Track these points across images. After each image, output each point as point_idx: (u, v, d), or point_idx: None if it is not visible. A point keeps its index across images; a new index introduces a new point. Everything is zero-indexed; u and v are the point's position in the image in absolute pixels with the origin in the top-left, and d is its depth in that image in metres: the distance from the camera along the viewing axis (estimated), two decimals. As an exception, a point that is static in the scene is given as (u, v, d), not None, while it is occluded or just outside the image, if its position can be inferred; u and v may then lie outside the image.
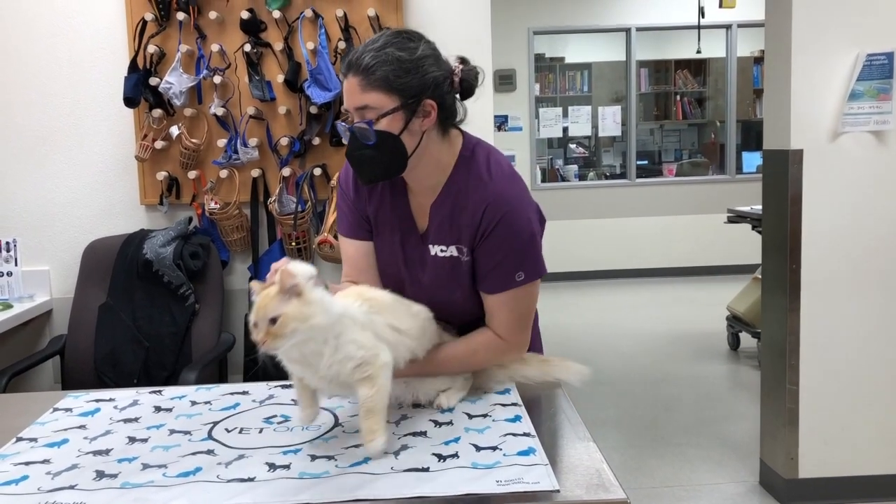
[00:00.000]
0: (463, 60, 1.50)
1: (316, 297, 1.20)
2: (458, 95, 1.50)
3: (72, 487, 1.20)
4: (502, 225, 1.46)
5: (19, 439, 1.41)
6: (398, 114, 1.40)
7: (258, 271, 2.92)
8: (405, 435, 1.33)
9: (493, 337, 1.53)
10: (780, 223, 2.88)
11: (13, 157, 2.91)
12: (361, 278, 1.62)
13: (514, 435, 1.32)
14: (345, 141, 1.49)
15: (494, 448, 1.27)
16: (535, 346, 1.74)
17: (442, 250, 1.54)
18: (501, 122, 7.32)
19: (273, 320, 1.16)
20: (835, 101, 2.77)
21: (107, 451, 1.34)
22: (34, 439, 1.41)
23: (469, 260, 1.52)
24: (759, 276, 3.82)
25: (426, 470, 1.20)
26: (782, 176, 2.84)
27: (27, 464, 1.30)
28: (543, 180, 7.69)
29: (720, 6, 6.29)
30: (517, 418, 1.41)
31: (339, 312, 1.25)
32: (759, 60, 7.86)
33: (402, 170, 1.47)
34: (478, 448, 1.28)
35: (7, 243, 2.90)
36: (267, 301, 1.17)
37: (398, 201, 1.58)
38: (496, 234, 1.47)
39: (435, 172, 1.52)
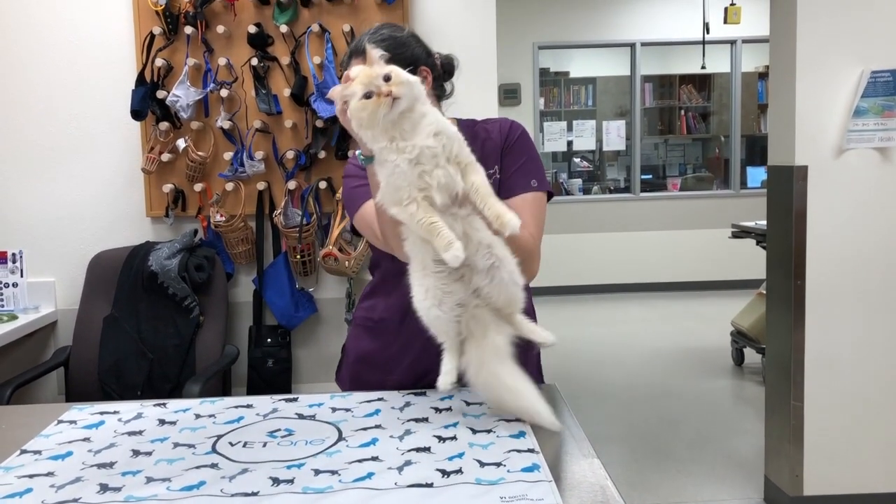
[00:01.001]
0: (438, 53, 1.71)
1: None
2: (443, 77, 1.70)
3: (76, 501, 1.20)
4: (522, 137, 1.69)
5: (23, 451, 1.41)
6: None
7: (263, 284, 2.92)
8: (409, 450, 1.33)
9: (524, 232, 1.58)
10: (784, 239, 2.88)
11: (20, 169, 2.92)
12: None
13: (519, 451, 1.32)
14: None
15: (499, 464, 1.27)
16: (533, 367, 1.75)
17: None
18: (506, 136, 7.33)
19: (386, 78, 1.24)
20: (839, 117, 2.78)
21: (111, 464, 1.34)
22: (38, 452, 1.41)
23: (497, 179, 1.65)
24: (764, 292, 3.81)
25: (430, 486, 1.20)
26: (787, 192, 2.84)
27: (31, 476, 1.30)
28: (548, 194, 7.68)
29: (725, 22, 6.30)
30: (521, 434, 1.40)
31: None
32: (763, 76, 7.88)
33: None
34: (482, 464, 1.27)
35: (13, 254, 2.91)
36: (368, 71, 1.26)
37: None
38: (518, 144, 1.67)
39: None
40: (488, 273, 1.35)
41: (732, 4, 6.20)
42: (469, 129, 1.66)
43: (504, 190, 1.64)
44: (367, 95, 1.24)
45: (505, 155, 1.67)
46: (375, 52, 1.30)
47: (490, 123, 1.72)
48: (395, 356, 1.65)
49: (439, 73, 1.68)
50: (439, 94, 1.70)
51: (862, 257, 2.84)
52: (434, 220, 1.27)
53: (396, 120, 1.25)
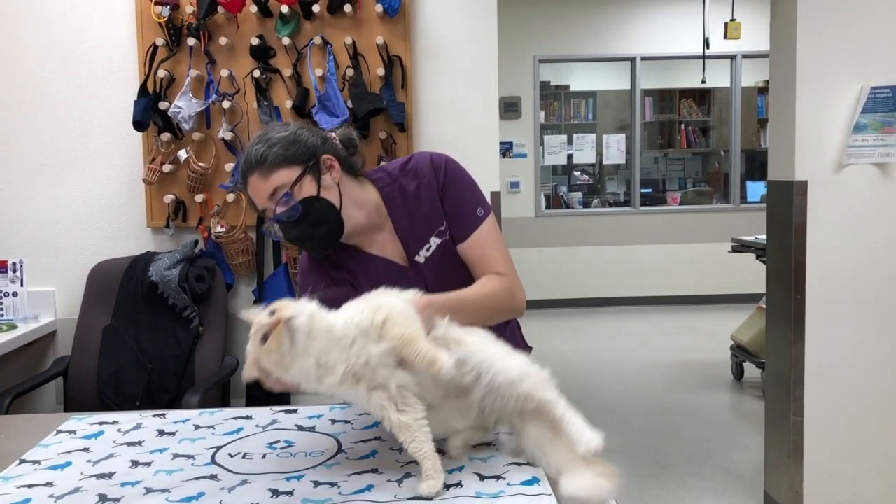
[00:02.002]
0: (333, 130, 1.62)
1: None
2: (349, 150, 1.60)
3: (74, 511, 1.20)
4: (449, 172, 1.61)
5: (22, 461, 1.41)
6: (306, 178, 1.49)
7: (262, 295, 2.92)
8: (408, 463, 1.33)
9: (494, 276, 1.58)
10: (784, 253, 2.89)
11: (21, 178, 2.93)
12: None
13: (518, 465, 1.32)
14: (278, 237, 1.54)
15: (498, 477, 1.27)
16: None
17: (427, 248, 1.60)
18: (506, 149, 7.36)
19: (271, 312, 1.17)
20: (839, 132, 2.79)
21: (110, 475, 1.34)
22: (37, 461, 1.41)
23: (446, 229, 1.61)
24: (764, 306, 3.81)
25: (430, 499, 1.20)
26: (787, 206, 2.85)
27: (30, 486, 1.29)
28: (547, 207, 7.71)
29: (725, 37, 6.33)
30: (521, 447, 1.40)
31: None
32: (763, 90, 7.91)
33: (342, 224, 1.53)
34: (482, 477, 1.27)
35: (13, 263, 2.91)
36: (256, 320, 1.20)
37: (372, 264, 1.61)
38: (448, 183, 1.60)
39: (373, 210, 1.60)
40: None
41: (732, 20, 6.23)
42: (393, 186, 1.60)
43: (457, 235, 1.60)
44: (265, 337, 1.16)
45: (444, 198, 1.60)
46: (246, 314, 1.23)
47: (414, 170, 1.61)
48: None
49: (344, 153, 1.58)
50: (353, 171, 1.59)
51: (862, 272, 2.84)
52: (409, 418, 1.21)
53: (307, 345, 1.16)
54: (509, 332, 1.79)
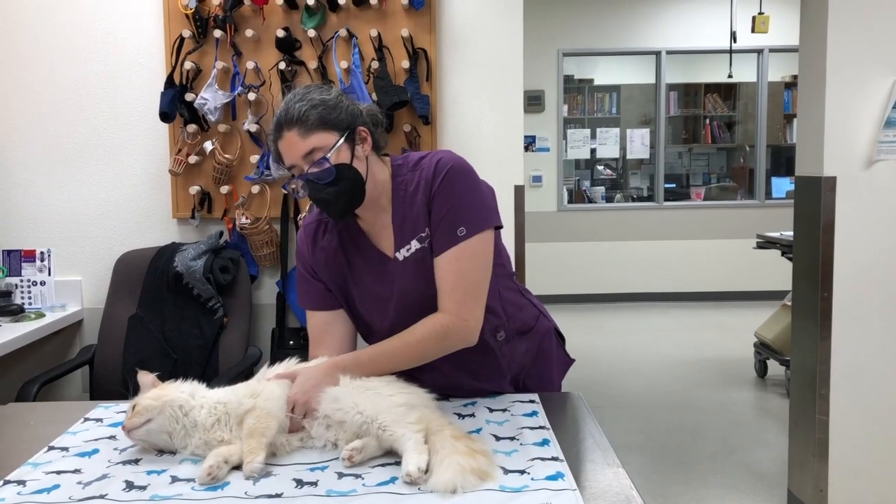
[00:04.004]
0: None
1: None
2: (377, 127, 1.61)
3: (102, 497, 1.21)
4: (445, 181, 1.54)
5: (51, 448, 1.43)
6: (343, 145, 1.50)
7: (286, 286, 2.94)
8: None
9: (436, 316, 1.54)
10: (811, 250, 2.85)
11: (50, 169, 2.96)
12: (320, 351, 1.65)
13: (543, 459, 1.31)
14: (302, 196, 1.56)
15: (523, 472, 1.27)
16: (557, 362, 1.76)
17: (407, 249, 1.59)
18: (529, 143, 7.33)
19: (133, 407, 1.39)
20: (869, 128, 2.75)
21: (136, 462, 1.35)
22: (65, 448, 1.43)
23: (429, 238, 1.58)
24: (788, 303, 3.78)
25: (453, 492, 1.19)
26: (815, 203, 2.81)
27: (59, 473, 1.31)
28: (570, 201, 7.67)
29: (753, 31, 6.24)
30: (545, 442, 1.40)
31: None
32: (790, 85, 7.81)
33: (363, 195, 1.54)
34: (506, 471, 1.27)
35: (41, 253, 2.95)
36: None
37: (361, 244, 1.63)
38: (440, 192, 1.54)
39: (383, 191, 1.60)
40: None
41: (761, 13, 6.15)
42: (403, 177, 1.60)
43: (434, 247, 1.56)
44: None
45: (432, 205, 1.55)
46: (146, 378, 1.44)
47: (421, 167, 1.59)
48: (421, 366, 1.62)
49: (374, 129, 1.59)
50: (378, 148, 1.60)
51: (890, 270, 2.80)
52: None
53: (164, 426, 1.36)
54: (544, 345, 1.78)
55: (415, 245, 1.58)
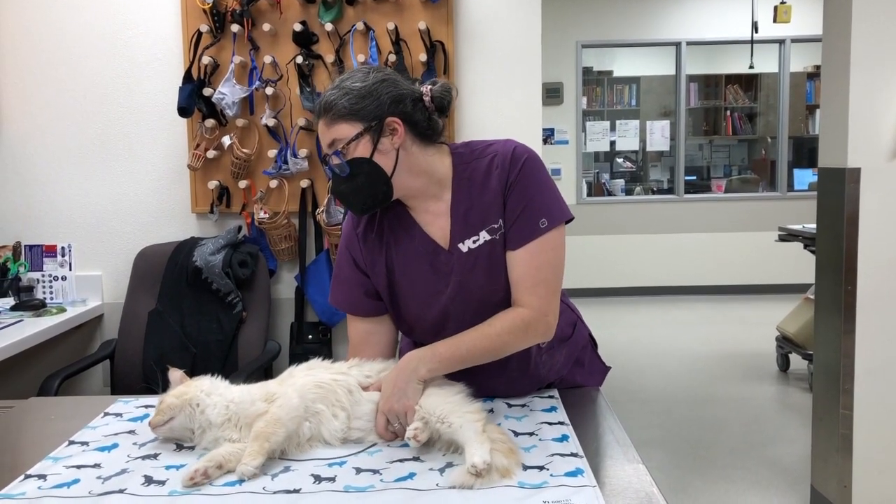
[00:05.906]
0: (434, 82, 1.53)
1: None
2: (435, 112, 1.52)
3: (121, 491, 1.22)
4: (525, 169, 1.49)
5: (71, 442, 1.44)
6: (364, 137, 1.44)
7: (305, 281, 2.94)
8: (451, 452, 1.32)
9: (515, 310, 1.49)
10: (835, 243, 2.81)
11: (70, 164, 2.98)
12: (359, 357, 1.58)
13: (562, 455, 1.30)
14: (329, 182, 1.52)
15: (542, 468, 1.26)
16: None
17: (474, 241, 1.51)
18: (548, 136, 7.29)
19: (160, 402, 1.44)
20: (895, 118, 2.70)
21: (155, 456, 1.36)
22: (85, 443, 1.43)
23: (504, 232, 1.51)
24: (811, 297, 3.72)
25: (471, 488, 1.19)
26: (838, 195, 2.77)
27: (78, 467, 1.32)
28: (589, 194, 7.63)
29: (774, 21, 6.17)
30: (564, 438, 1.39)
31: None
32: (812, 76, 7.70)
33: (390, 190, 1.48)
34: (525, 467, 1.26)
35: (62, 248, 2.97)
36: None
37: (414, 234, 1.55)
38: (519, 181, 1.49)
39: (433, 181, 1.53)
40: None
41: (783, 3, 6.07)
42: (468, 164, 1.53)
43: (509, 240, 1.50)
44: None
45: (509, 195, 1.49)
46: (175, 374, 1.48)
47: (493, 154, 1.53)
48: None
49: (425, 116, 1.50)
50: (427, 139, 1.51)
51: (916, 263, 2.75)
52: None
53: (184, 423, 1.39)
54: (582, 355, 1.77)
55: (484, 237, 1.50)
